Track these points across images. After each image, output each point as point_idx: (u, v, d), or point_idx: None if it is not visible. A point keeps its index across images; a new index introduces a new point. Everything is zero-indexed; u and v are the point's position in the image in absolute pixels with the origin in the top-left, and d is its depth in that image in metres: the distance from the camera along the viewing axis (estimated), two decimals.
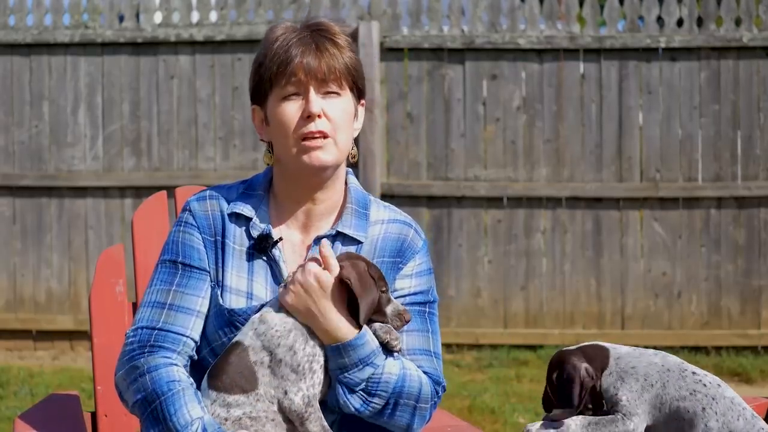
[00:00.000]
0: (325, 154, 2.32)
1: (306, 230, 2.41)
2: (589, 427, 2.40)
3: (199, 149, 7.60)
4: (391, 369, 2.29)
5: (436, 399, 2.36)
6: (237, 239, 2.39)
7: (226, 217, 2.40)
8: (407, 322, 2.30)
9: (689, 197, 7.38)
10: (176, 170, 7.58)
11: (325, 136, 2.31)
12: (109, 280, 2.99)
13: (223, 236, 2.39)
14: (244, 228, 2.39)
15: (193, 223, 2.41)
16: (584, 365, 2.46)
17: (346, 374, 2.26)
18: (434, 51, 7.50)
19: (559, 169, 7.45)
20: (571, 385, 2.44)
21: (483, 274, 7.47)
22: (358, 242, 2.40)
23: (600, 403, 2.46)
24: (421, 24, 7.53)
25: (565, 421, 2.41)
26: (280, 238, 2.38)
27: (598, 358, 2.48)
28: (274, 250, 2.37)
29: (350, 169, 2.48)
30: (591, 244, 7.43)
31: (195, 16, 7.69)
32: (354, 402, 2.27)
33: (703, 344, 7.31)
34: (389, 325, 2.30)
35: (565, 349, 2.52)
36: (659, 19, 7.44)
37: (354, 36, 7.41)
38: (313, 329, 2.27)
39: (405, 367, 2.32)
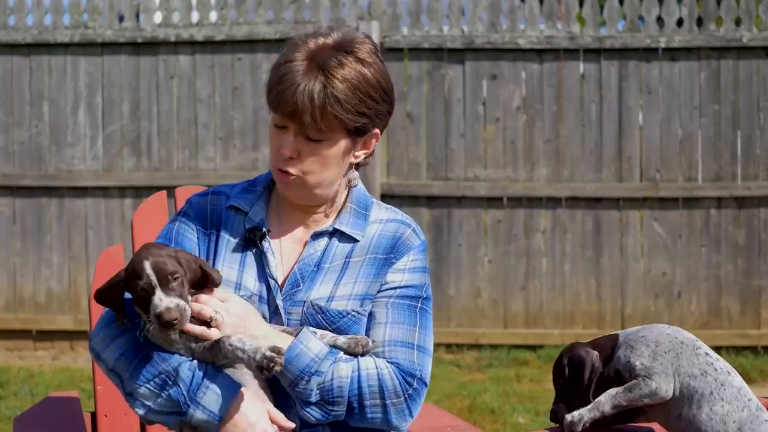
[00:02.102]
0: (294, 189, 2.38)
1: (305, 226, 2.45)
2: (617, 397, 2.43)
3: (199, 149, 7.60)
4: (341, 373, 2.28)
5: (410, 391, 2.32)
6: (233, 232, 2.43)
7: (225, 211, 2.45)
8: (167, 323, 2.17)
9: (689, 197, 7.38)
10: (176, 170, 7.58)
11: (292, 175, 2.35)
12: None
13: (220, 229, 2.43)
14: (240, 222, 2.44)
15: (191, 215, 2.47)
16: (594, 353, 2.50)
17: (296, 389, 2.27)
18: (434, 51, 7.50)
19: (559, 169, 7.45)
20: (582, 367, 2.47)
21: (483, 274, 7.47)
22: (355, 240, 2.42)
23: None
24: (421, 24, 7.53)
25: (598, 398, 2.45)
26: (268, 230, 2.41)
27: (607, 342, 2.52)
28: (263, 241, 2.40)
29: (357, 173, 2.50)
30: (591, 244, 7.43)
31: (195, 16, 7.68)
32: (314, 413, 2.28)
33: None
34: (356, 337, 2.32)
35: (576, 342, 2.55)
36: (659, 19, 7.44)
37: None
38: None
39: (359, 368, 2.31)
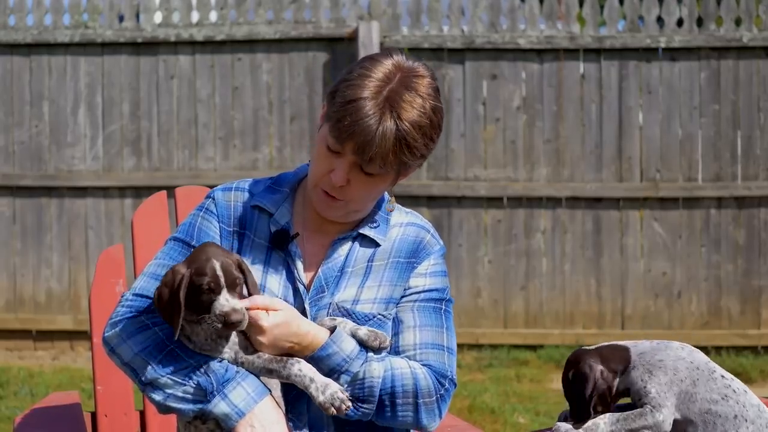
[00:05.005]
0: (333, 211, 2.38)
1: (328, 230, 2.43)
2: (618, 424, 2.40)
3: (199, 149, 7.60)
4: (373, 373, 2.30)
5: (442, 392, 2.36)
6: (258, 232, 2.41)
7: (249, 209, 2.43)
8: (233, 324, 2.22)
9: (689, 197, 7.38)
10: (176, 170, 7.58)
11: (338, 200, 2.35)
12: (109, 280, 2.99)
13: (244, 228, 2.42)
14: (265, 222, 2.42)
15: (214, 211, 2.44)
16: (600, 367, 2.45)
17: None
18: (434, 51, 7.50)
19: (559, 169, 7.45)
20: (585, 384, 2.43)
21: (483, 274, 7.48)
22: (377, 244, 2.43)
23: (608, 408, 2.45)
24: (421, 24, 7.53)
25: (595, 420, 2.42)
26: (297, 234, 2.40)
27: (617, 357, 2.46)
28: (290, 245, 2.39)
29: (393, 197, 2.52)
30: (591, 244, 7.43)
31: (195, 16, 7.68)
32: None
33: (703, 344, 7.29)
34: (376, 331, 2.32)
35: (583, 348, 2.52)
36: (659, 19, 7.44)
37: (354, 36, 7.41)
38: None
39: (393, 367, 2.32)
